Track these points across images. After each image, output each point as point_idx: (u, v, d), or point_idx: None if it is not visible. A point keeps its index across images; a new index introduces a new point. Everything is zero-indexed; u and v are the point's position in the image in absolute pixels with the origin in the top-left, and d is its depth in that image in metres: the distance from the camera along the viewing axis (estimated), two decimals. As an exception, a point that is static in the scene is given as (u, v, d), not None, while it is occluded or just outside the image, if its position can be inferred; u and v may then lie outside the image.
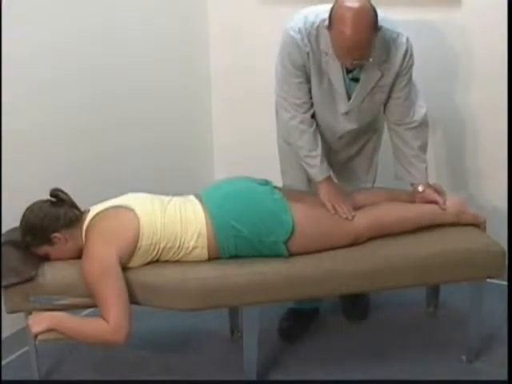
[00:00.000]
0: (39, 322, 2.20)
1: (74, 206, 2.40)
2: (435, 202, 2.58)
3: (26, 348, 2.50)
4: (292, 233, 2.41)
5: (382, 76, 2.46)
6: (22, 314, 2.35)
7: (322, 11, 2.38)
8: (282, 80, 2.52)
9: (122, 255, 2.28)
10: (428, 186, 2.61)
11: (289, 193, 2.57)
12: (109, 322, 2.18)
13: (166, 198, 2.47)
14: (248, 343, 2.43)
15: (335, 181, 2.72)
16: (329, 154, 2.68)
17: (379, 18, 2.31)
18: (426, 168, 2.61)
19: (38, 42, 2.66)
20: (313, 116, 2.56)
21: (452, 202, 2.60)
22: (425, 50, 2.88)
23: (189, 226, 2.37)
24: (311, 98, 2.53)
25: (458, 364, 2.61)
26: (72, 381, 2.57)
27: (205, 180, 3.47)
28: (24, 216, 2.36)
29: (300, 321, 2.85)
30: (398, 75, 2.47)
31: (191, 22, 3.48)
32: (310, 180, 2.68)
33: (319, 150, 2.55)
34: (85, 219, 2.37)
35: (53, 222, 2.33)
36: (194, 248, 2.38)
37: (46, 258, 2.37)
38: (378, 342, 2.78)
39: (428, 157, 2.65)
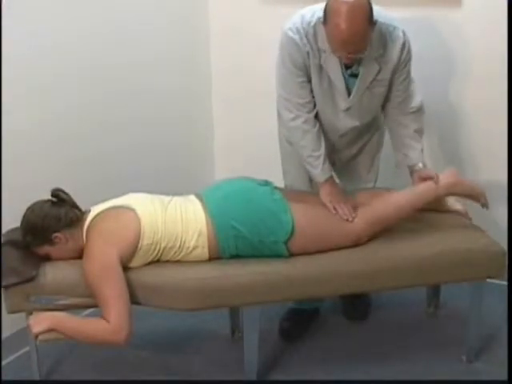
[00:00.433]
0: (40, 322, 2.20)
1: (74, 206, 2.40)
2: (431, 179, 2.55)
3: (27, 348, 2.50)
4: (292, 233, 2.41)
5: (380, 70, 2.47)
6: (22, 314, 2.35)
7: (318, 9, 2.38)
8: (284, 81, 2.52)
9: (123, 255, 2.28)
10: (424, 166, 2.60)
11: (289, 193, 2.57)
12: (109, 322, 2.18)
13: (167, 198, 2.47)
14: (248, 343, 2.43)
15: (337, 180, 2.73)
16: (331, 152, 2.68)
17: (375, 13, 2.32)
18: (422, 150, 2.60)
19: (38, 41, 2.67)
20: (316, 116, 2.56)
21: (444, 176, 2.56)
22: (424, 50, 2.89)
23: (189, 225, 2.38)
24: (313, 97, 2.54)
25: (458, 364, 2.61)
26: (72, 381, 2.57)
27: (205, 180, 3.47)
28: (25, 216, 2.36)
29: (300, 321, 2.85)
30: (396, 69, 2.48)
31: (192, 21, 3.48)
32: (311, 180, 2.68)
33: (322, 151, 2.55)
34: (85, 219, 2.37)
35: (53, 222, 2.33)
36: (195, 248, 2.38)
37: (47, 258, 2.37)
38: (378, 342, 2.78)
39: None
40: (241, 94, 3.56)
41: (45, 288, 2.30)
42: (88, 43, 2.88)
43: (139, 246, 2.32)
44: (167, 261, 2.39)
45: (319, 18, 2.37)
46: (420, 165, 2.59)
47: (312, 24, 2.41)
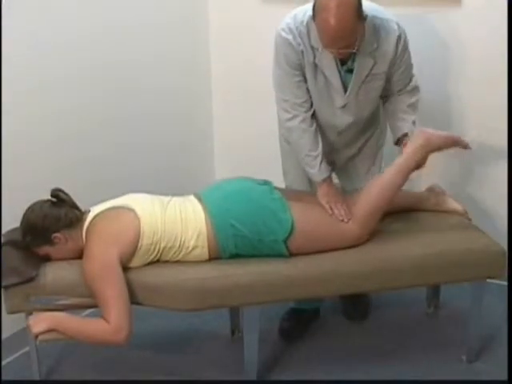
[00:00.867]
0: (40, 322, 2.20)
1: (74, 206, 2.40)
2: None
3: (27, 348, 2.50)
4: (291, 231, 2.41)
5: (374, 63, 2.46)
6: (22, 315, 2.35)
7: (310, 8, 2.38)
8: (280, 82, 2.53)
9: (123, 255, 2.28)
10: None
11: (288, 193, 2.57)
12: (109, 322, 2.18)
13: (166, 198, 2.47)
14: (248, 343, 2.43)
15: (337, 180, 2.72)
16: (330, 152, 2.68)
17: (369, 8, 2.33)
18: (414, 122, 2.57)
19: (38, 41, 2.67)
20: (313, 115, 2.56)
21: (414, 139, 2.49)
22: (424, 50, 2.89)
23: (189, 225, 2.38)
24: (310, 96, 2.54)
25: (458, 364, 2.61)
26: (72, 381, 2.57)
27: (205, 180, 3.46)
28: (24, 216, 2.36)
29: (300, 321, 2.85)
30: (393, 62, 2.48)
31: (192, 21, 3.48)
32: (311, 180, 2.68)
33: (319, 150, 2.55)
34: (85, 219, 2.37)
35: (53, 222, 2.33)
36: (195, 247, 2.38)
37: (47, 259, 2.37)
38: (378, 342, 2.78)
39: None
40: (241, 94, 3.56)
41: (45, 288, 2.30)
42: (88, 43, 2.88)
43: (139, 246, 2.32)
44: (167, 261, 2.39)
45: (311, 16, 2.37)
46: (409, 134, 2.56)
47: (304, 23, 2.41)
